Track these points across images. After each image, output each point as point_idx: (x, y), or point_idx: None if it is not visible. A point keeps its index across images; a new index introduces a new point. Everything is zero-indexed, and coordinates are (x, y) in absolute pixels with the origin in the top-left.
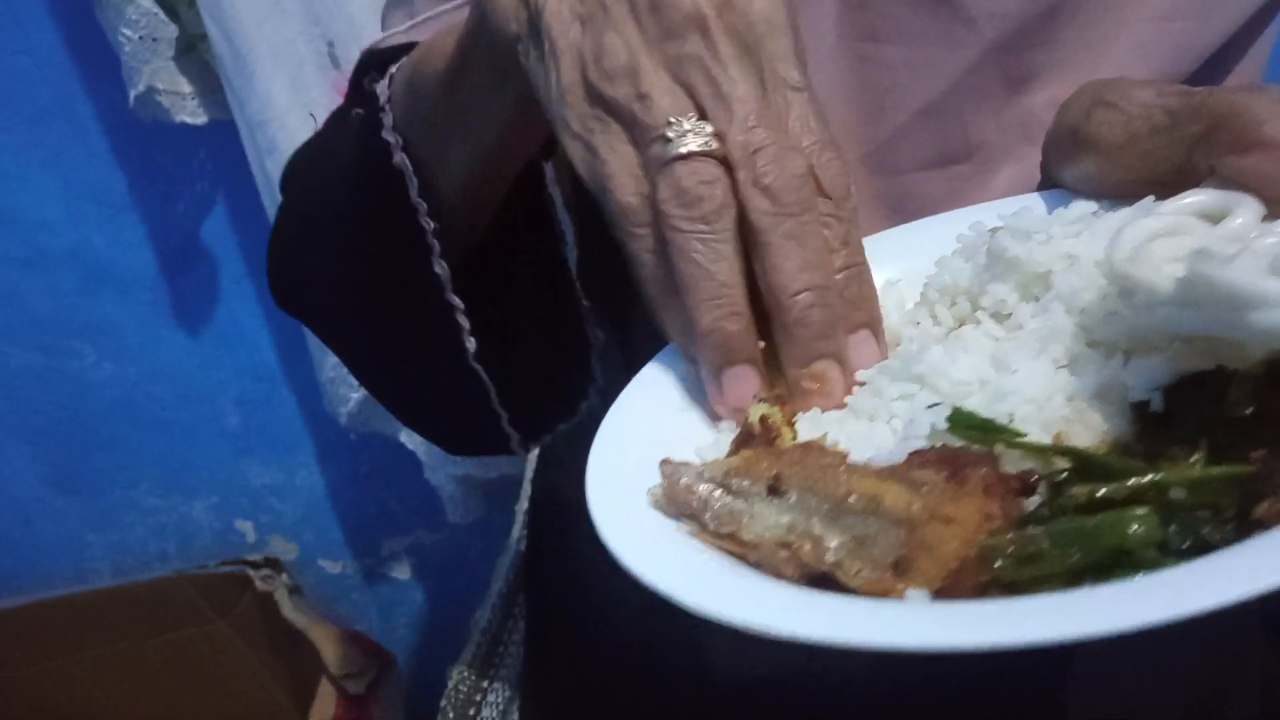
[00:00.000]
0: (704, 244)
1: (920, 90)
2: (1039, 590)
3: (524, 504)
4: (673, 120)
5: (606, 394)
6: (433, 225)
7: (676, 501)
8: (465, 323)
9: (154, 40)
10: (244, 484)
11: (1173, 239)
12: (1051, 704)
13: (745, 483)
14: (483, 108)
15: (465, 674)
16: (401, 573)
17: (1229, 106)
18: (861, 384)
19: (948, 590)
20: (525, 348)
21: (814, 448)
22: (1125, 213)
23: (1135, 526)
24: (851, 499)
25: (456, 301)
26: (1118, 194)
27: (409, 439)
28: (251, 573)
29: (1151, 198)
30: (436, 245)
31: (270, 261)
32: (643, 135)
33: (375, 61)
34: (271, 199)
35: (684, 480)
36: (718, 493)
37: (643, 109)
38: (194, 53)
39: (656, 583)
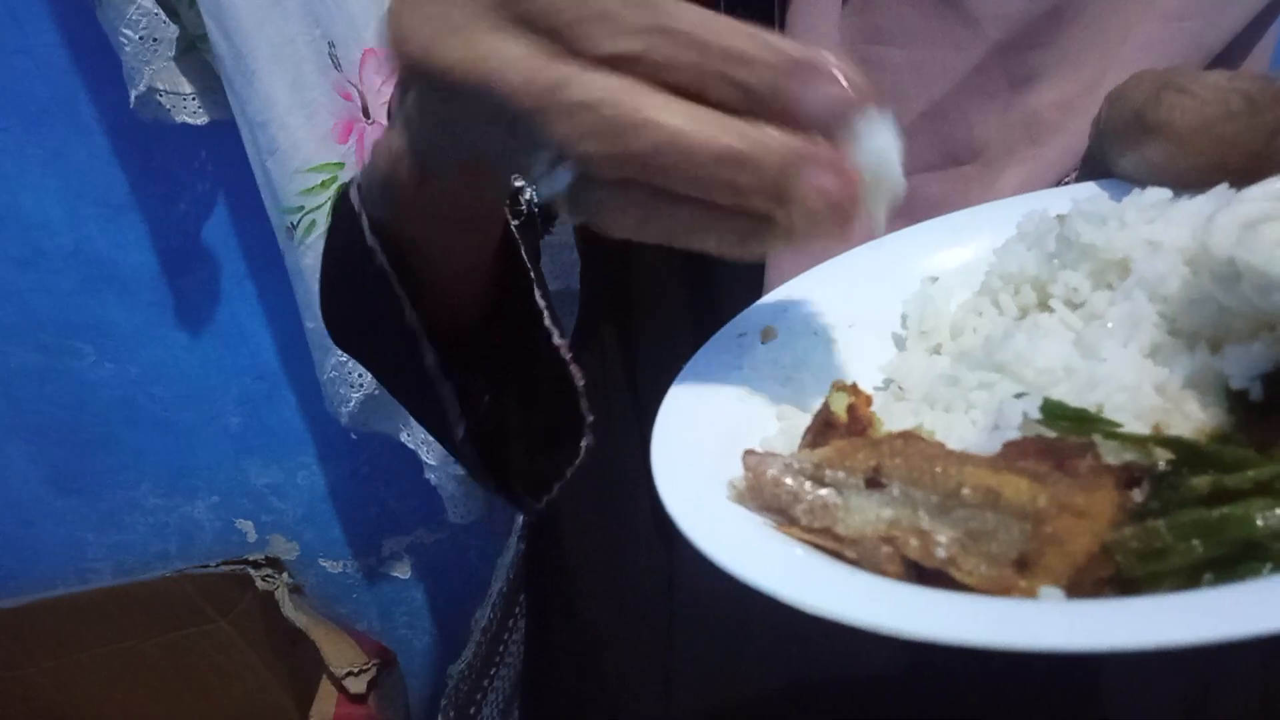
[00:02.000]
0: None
1: (924, 92)
2: (1156, 586)
3: None
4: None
5: (597, 428)
6: (418, 323)
7: (763, 494)
8: (455, 408)
9: (154, 40)
10: (245, 484)
11: (1276, 224)
12: (1052, 702)
13: (840, 474)
14: (429, 202)
15: (465, 674)
16: (402, 572)
17: None
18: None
19: (1071, 588)
20: (517, 414)
21: (914, 437)
22: (1203, 199)
23: (1263, 519)
24: (965, 491)
25: (445, 391)
26: (1183, 181)
27: (409, 439)
28: (252, 572)
29: (1226, 185)
30: (423, 334)
31: (322, 297)
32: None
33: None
34: (272, 199)
35: (771, 472)
36: (809, 485)
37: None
38: (194, 53)
39: (763, 583)
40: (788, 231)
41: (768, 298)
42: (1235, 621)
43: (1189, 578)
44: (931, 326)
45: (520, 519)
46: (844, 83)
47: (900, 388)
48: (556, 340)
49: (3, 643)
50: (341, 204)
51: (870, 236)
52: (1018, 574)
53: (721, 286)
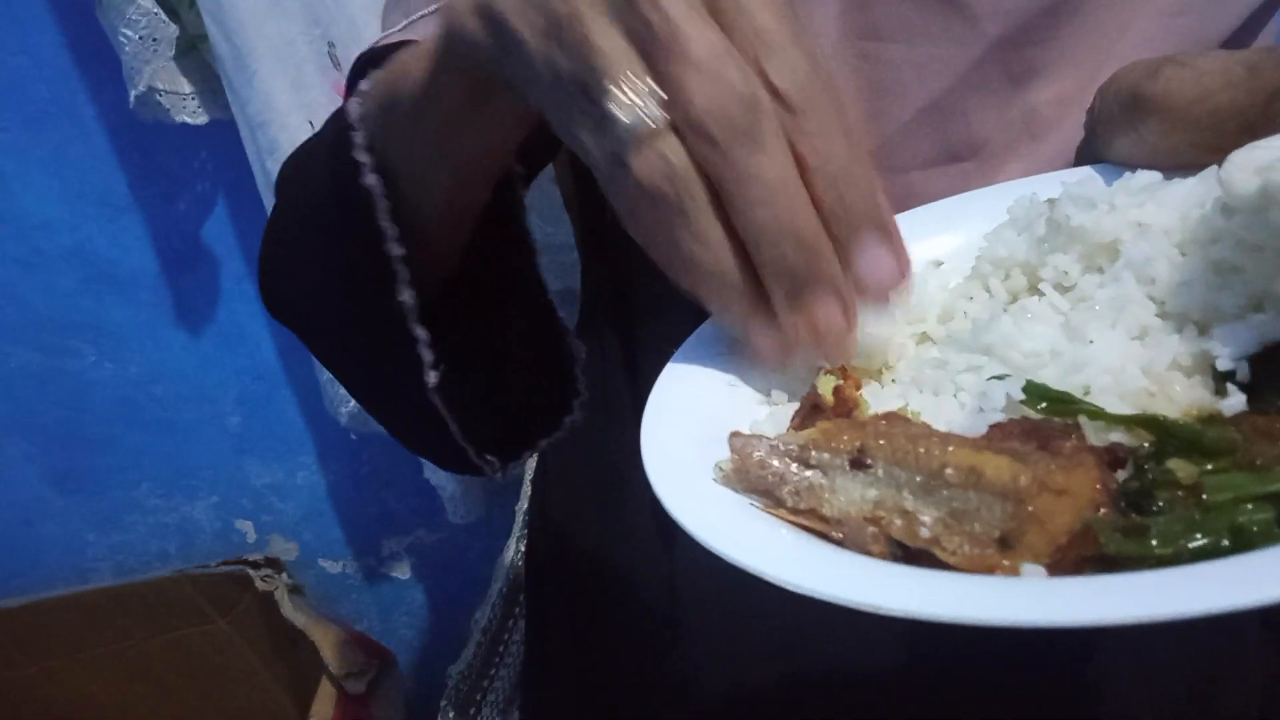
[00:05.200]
0: (686, 232)
1: (923, 88)
2: (1140, 566)
3: (524, 504)
4: (615, 88)
5: (590, 406)
6: (400, 251)
7: (749, 476)
8: (428, 355)
9: (154, 40)
10: (244, 484)
11: None
12: (1049, 700)
13: (825, 455)
14: (460, 124)
15: (465, 674)
16: (402, 572)
17: None
18: (889, 297)
19: (1054, 566)
20: (500, 371)
21: (899, 418)
22: (1192, 182)
23: (1246, 518)
24: (948, 471)
25: (420, 333)
26: (1177, 159)
27: None
28: (252, 572)
29: (1215, 167)
30: (403, 272)
31: (261, 266)
32: (597, 113)
33: (369, 65)
34: (272, 199)
35: (757, 454)
36: (795, 466)
37: (590, 74)
38: (195, 53)
39: (750, 562)
40: (784, 335)
41: None
42: (1218, 595)
43: (1174, 559)
44: (923, 311)
45: (520, 519)
46: (897, 265)
47: (889, 370)
48: (544, 282)
49: (3, 643)
50: (312, 143)
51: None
52: (1000, 553)
53: None
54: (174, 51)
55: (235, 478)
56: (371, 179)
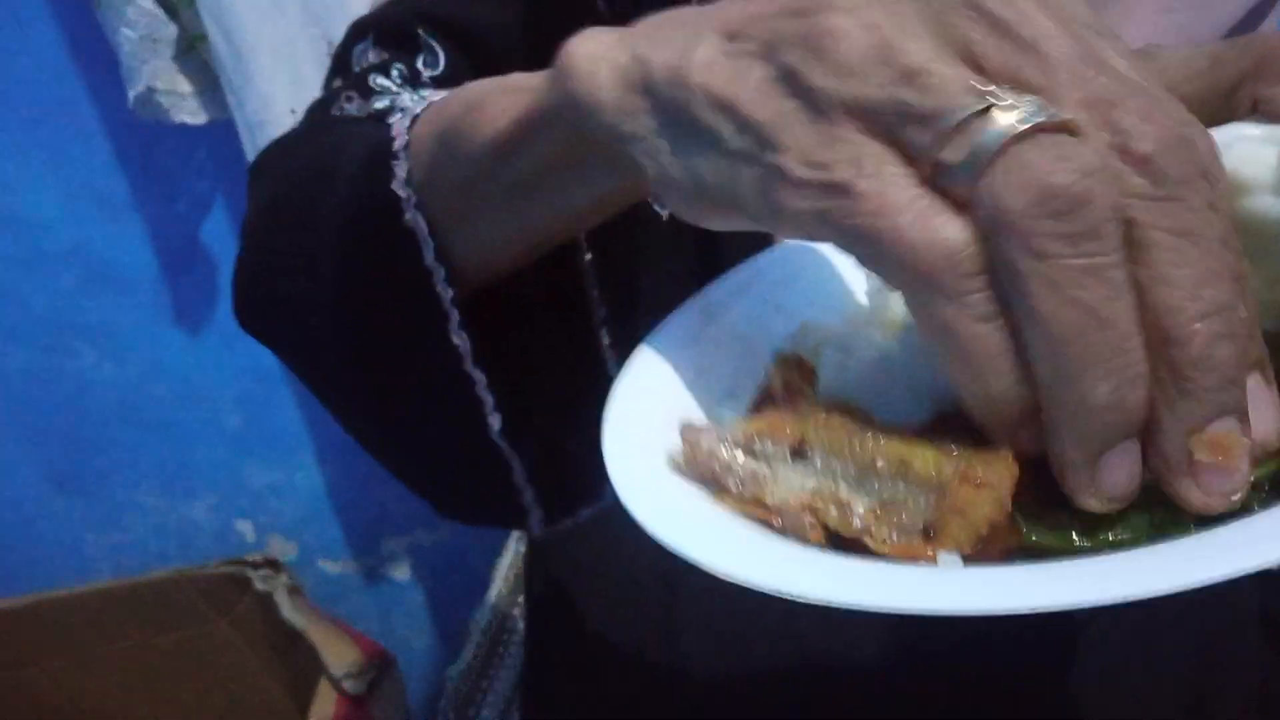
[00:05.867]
0: (1096, 275)
1: None
2: (1063, 558)
3: None
4: (976, 88)
5: (597, 430)
6: (451, 293)
7: (698, 466)
8: (488, 398)
9: (154, 40)
10: (244, 484)
11: (1245, 143)
12: (1048, 700)
13: (768, 445)
14: (558, 190)
15: (465, 674)
16: (401, 573)
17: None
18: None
19: (978, 555)
20: (548, 418)
21: (838, 409)
22: None
23: (1166, 516)
24: (879, 463)
25: (478, 375)
26: None
27: None
28: (251, 573)
29: None
30: (455, 315)
31: (236, 276)
32: (927, 128)
33: (362, 33)
34: None
35: (705, 444)
36: (741, 456)
37: (917, 91)
38: (194, 53)
39: (681, 547)
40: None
41: (736, 271)
42: (1121, 584)
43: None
44: (893, 299)
45: None
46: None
47: (847, 359)
48: (605, 350)
49: (3, 643)
50: (301, 142)
51: None
52: (925, 543)
53: None
54: (173, 51)
55: (234, 478)
56: (414, 216)
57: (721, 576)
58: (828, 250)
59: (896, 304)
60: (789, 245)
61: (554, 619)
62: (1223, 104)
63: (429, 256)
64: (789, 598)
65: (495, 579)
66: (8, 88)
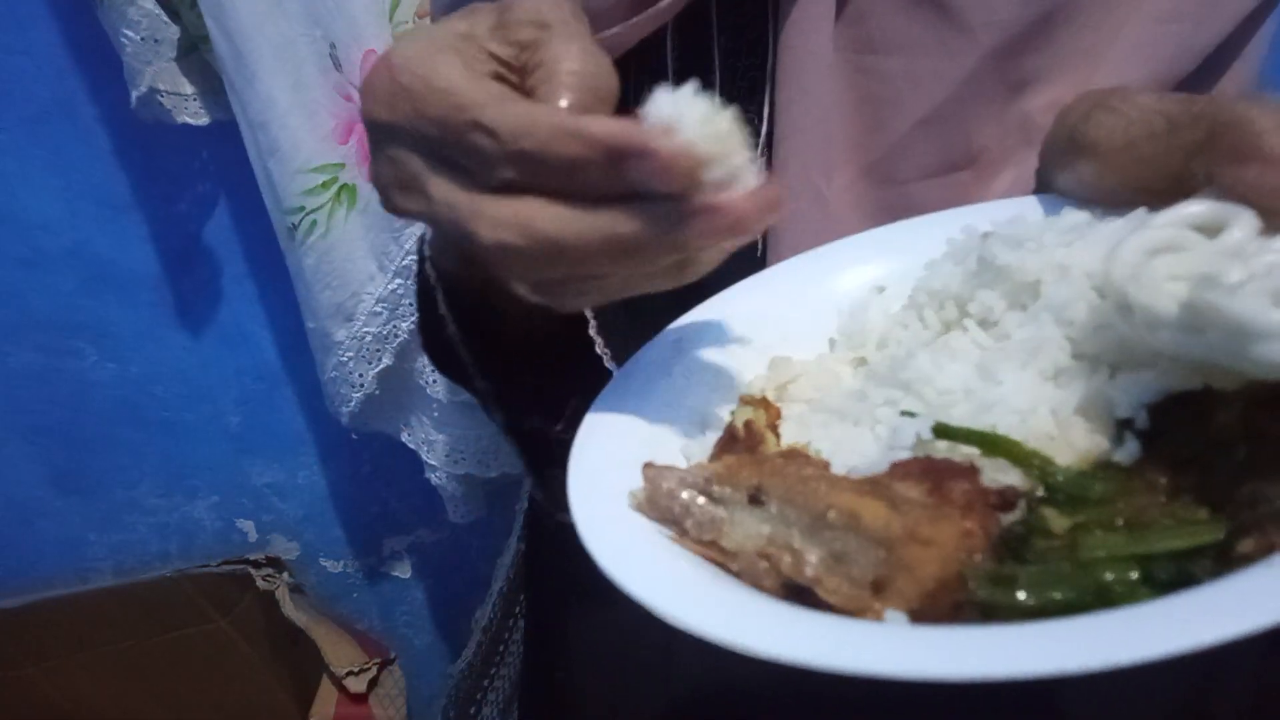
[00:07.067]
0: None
1: (920, 100)
2: (1008, 615)
3: (524, 504)
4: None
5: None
6: (483, 385)
7: (658, 506)
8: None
9: (156, 41)
10: (245, 483)
11: (1173, 255)
12: (1042, 701)
13: (727, 490)
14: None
15: (465, 673)
16: (402, 572)
17: (1229, 116)
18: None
19: (923, 611)
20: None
21: (796, 456)
22: (1119, 224)
23: (1113, 576)
24: (831, 514)
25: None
26: (1111, 200)
27: (410, 438)
28: (253, 572)
29: (1144, 209)
30: (494, 406)
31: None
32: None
33: None
34: (273, 199)
35: (666, 485)
36: (700, 499)
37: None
38: (196, 54)
39: (634, 589)
40: (707, 262)
41: (704, 307)
42: (1038, 658)
43: (1045, 610)
44: (863, 337)
45: (520, 519)
46: (656, 153)
47: (815, 397)
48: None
49: (3, 643)
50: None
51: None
52: (874, 596)
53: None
54: (175, 52)
55: (236, 477)
56: (453, 330)
57: (673, 624)
58: (799, 287)
59: (867, 341)
60: (760, 280)
61: (554, 619)
62: (1182, 167)
63: (465, 357)
64: (737, 650)
65: (497, 578)
66: (8, 88)
